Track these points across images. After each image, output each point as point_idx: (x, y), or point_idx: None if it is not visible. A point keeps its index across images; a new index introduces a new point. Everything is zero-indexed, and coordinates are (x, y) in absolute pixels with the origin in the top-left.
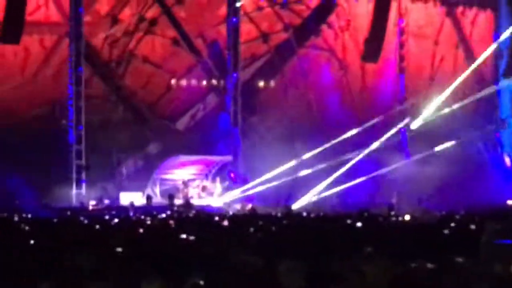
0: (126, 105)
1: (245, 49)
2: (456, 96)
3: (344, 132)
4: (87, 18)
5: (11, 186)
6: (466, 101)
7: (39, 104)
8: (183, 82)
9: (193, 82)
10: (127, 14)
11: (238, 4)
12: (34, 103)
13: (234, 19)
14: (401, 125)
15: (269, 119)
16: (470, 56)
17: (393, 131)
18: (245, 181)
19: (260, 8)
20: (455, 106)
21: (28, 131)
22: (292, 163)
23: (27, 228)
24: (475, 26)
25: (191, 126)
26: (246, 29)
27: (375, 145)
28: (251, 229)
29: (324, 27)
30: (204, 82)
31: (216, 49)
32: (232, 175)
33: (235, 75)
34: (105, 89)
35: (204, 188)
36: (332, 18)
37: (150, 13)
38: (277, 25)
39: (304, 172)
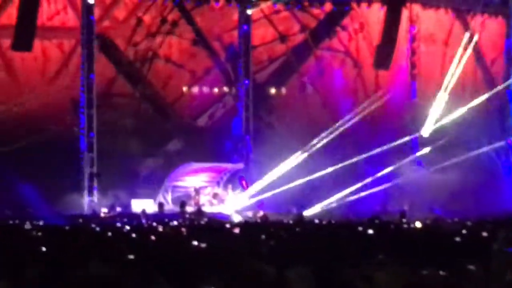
0: (150, 103)
1: (262, 51)
2: (468, 103)
3: (358, 137)
4: (106, 23)
5: (23, 194)
6: (478, 109)
7: (54, 110)
8: (201, 83)
9: (211, 83)
10: (149, 16)
11: (249, 12)
12: (50, 109)
13: (245, 27)
14: (412, 132)
15: (284, 121)
16: (481, 63)
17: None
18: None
19: (277, 11)
20: (467, 113)
21: (42, 138)
22: (305, 169)
23: (39, 235)
24: (486, 33)
25: (210, 125)
26: (263, 31)
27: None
28: (263, 237)
29: (338, 29)
30: (216, 90)
31: (232, 51)
32: (243, 182)
33: (246, 82)
34: (129, 88)
35: (215, 195)
36: (346, 20)
37: (171, 16)
38: (293, 27)
39: (316, 177)
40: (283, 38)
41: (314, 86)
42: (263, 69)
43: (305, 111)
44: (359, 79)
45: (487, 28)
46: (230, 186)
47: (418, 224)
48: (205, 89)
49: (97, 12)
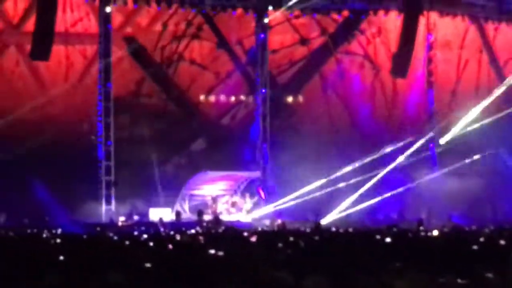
0: (176, 104)
1: (283, 55)
2: (484, 110)
3: (375, 141)
4: (128, 29)
5: (41, 201)
6: (494, 116)
7: (74, 117)
8: (224, 85)
9: (233, 85)
10: (173, 22)
11: (266, 21)
12: (71, 115)
13: (262, 35)
14: (429, 139)
15: (303, 124)
16: (498, 71)
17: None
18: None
19: (297, 16)
20: (483, 120)
21: (61, 146)
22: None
23: (57, 243)
24: (502, 40)
25: (232, 126)
26: (281, 37)
27: (402, 159)
28: (280, 245)
29: (357, 33)
30: (233, 98)
31: (253, 55)
32: (260, 191)
33: (263, 91)
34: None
35: (233, 204)
36: (364, 25)
37: (196, 20)
38: (313, 31)
39: (333, 186)
40: (303, 41)
41: (335, 89)
42: (284, 72)
43: (326, 114)
44: (378, 82)
45: (504, 35)
46: (247, 194)
47: (435, 233)
48: (228, 91)
49: (119, 19)
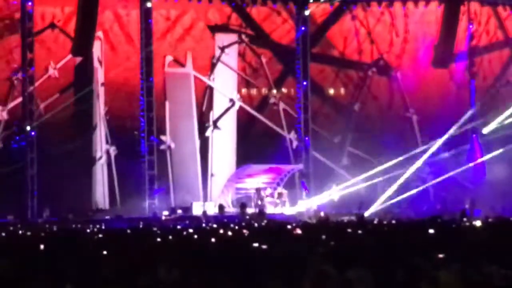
0: None
1: None
2: None
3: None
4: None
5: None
6: None
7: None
8: None
9: None
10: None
11: (306, 13)
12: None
13: (303, 28)
14: (472, 130)
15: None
16: None
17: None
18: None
19: None
20: None
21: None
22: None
23: (102, 239)
24: None
25: None
26: None
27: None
28: (324, 237)
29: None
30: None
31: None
32: (304, 183)
33: (305, 83)
34: None
35: (280, 195)
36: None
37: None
38: None
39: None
40: None
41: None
42: None
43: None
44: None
45: None
46: (290, 187)
47: (478, 223)
48: None
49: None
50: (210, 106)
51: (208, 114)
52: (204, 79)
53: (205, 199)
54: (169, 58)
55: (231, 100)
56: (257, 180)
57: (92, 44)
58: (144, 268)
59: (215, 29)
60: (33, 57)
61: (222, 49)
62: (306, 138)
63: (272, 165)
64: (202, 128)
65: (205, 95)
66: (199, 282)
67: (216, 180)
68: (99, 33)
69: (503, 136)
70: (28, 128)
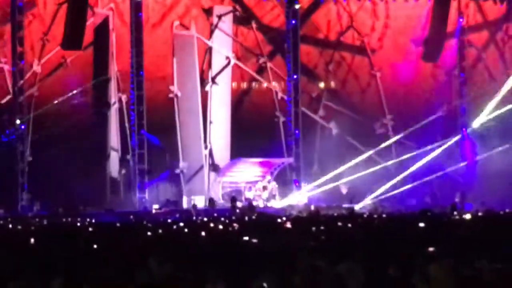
0: None
1: None
2: None
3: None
4: None
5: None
6: None
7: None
8: None
9: None
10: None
11: (297, 7)
12: None
13: (293, 21)
14: (462, 123)
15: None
16: None
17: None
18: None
19: None
20: None
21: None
22: (355, 162)
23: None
24: None
25: None
26: None
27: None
28: (314, 231)
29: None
30: (265, 85)
31: None
32: (296, 181)
33: (295, 76)
34: None
35: (264, 188)
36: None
37: None
38: None
39: (366, 171)
40: None
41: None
42: None
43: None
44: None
45: None
46: (280, 180)
47: (468, 216)
48: None
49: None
50: (209, 65)
51: (208, 72)
52: (205, 40)
53: (206, 146)
54: (176, 23)
55: (227, 58)
56: (248, 173)
57: (83, 38)
58: (135, 263)
59: (209, 12)
60: (23, 50)
61: (219, 17)
62: (297, 131)
63: (263, 159)
64: (202, 84)
65: (206, 55)
66: (190, 276)
67: (213, 127)
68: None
69: (494, 129)
70: (18, 121)
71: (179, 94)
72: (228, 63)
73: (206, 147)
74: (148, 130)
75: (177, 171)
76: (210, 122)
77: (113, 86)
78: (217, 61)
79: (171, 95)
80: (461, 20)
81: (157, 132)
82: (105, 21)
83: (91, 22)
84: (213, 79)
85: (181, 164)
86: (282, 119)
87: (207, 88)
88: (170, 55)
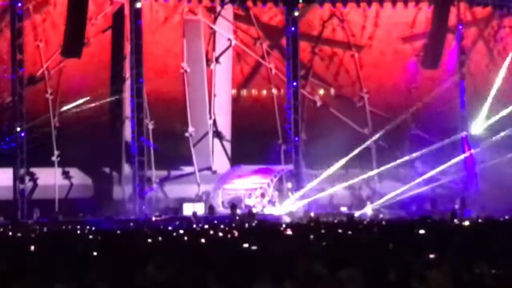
0: None
1: None
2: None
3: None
4: None
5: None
6: None
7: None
8: None
9: None
10: None
11: (296, 14)
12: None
13: (293, 28)
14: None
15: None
16: None
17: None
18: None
19: None
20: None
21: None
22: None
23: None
24: None
25: None
26: None
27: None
28: (314, 238)
29: None
30: (264, 92)
31: None
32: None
33: (295, 83)
34: None
35: (263, 195)
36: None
37: None
38: None
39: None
40: None
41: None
42: None
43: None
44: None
45: None
46: (280, 187)
47: (467, 223)
48: None
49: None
50: (213, 46)
51: (212, 52)
52: (211, 24)
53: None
54: (185, 9)
55: (229, 39)
56: (248, 181)
57: (82, 47)
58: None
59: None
60: (22, 58)
61: (222, 5)
62: (296, 139)
63: (263, 166)
64: (207, 63)
65: (210, 37)
66: (190, 283)
67: (217, 100)
68: None
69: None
70: (18, 129)
71: (188, 70)
72: (230, 44)
73: (210, 118)
74: (162, 100)
75: (186, 134)
76: (214, 95)
77: (127, 64)
78: (220, 44)
79: (181, 70)
80: (460, 27)
81: (169, 102)
82: (121, 8)
83: (110, 9)
84: (216, 59)
85: (190, 128)
86: (275, 93)
87: (212, 66)
88: (181, 37)
